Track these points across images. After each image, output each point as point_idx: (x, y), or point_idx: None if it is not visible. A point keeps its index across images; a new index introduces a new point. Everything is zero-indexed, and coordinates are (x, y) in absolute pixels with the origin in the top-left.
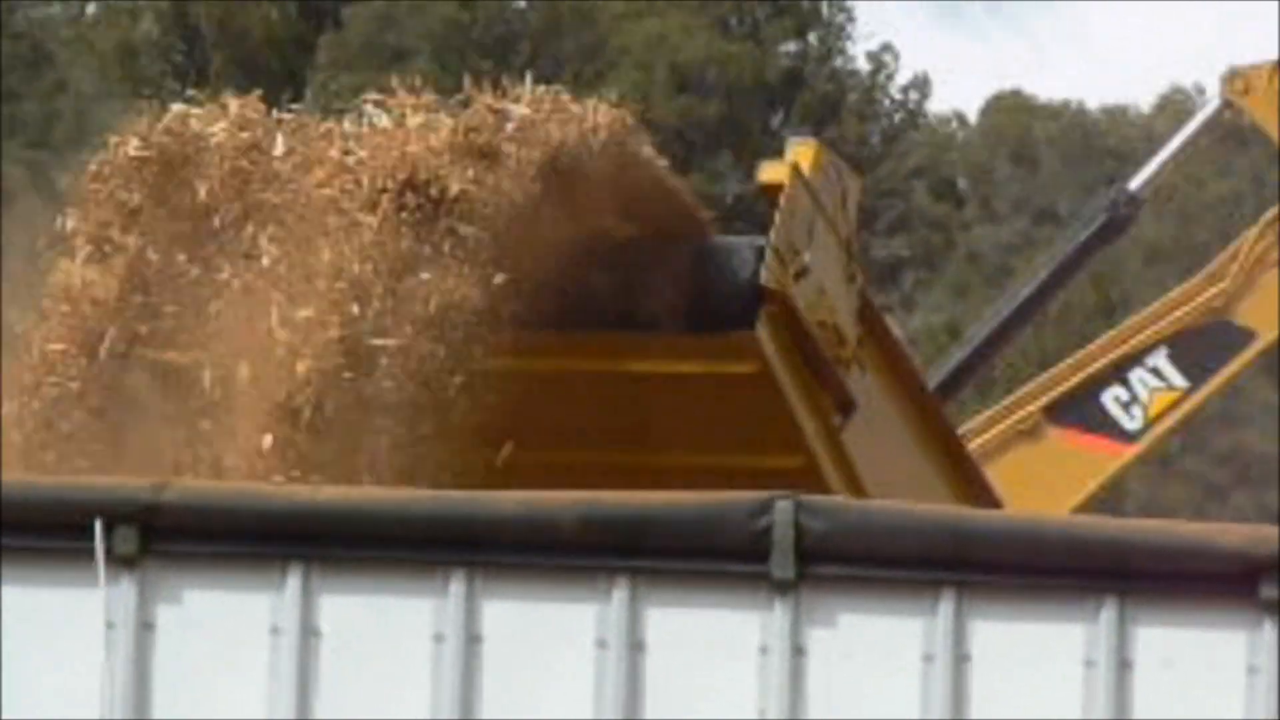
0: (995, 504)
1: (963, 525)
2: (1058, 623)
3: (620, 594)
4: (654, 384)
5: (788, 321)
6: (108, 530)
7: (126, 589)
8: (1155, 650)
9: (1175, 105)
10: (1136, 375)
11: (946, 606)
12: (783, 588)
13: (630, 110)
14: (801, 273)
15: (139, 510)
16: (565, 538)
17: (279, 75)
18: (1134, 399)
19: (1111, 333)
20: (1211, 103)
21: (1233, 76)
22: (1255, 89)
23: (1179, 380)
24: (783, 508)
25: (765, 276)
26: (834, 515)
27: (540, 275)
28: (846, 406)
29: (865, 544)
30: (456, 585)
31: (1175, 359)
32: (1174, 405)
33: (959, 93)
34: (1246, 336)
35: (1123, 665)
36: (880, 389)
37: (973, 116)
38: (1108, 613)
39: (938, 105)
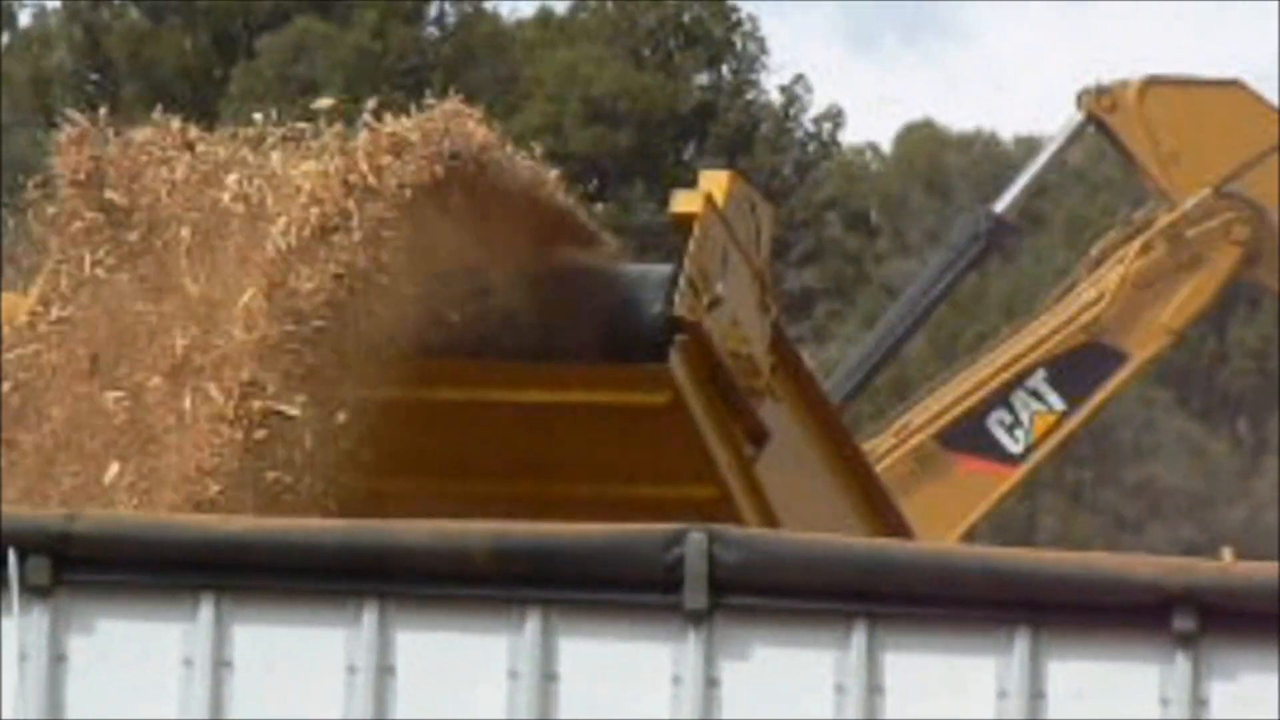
0: (908, 535)
1: (875, 556)
2: (971, 654)
3: (532, 625)
4: (566, 414)
5: (700, 352)
6: (20, 560)
7: (39, 619)
8: (1068, 682)
9: (1086, 135)
10: (1018, 398)
11: (859, 638)
12: (695, 618)
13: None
14: (715, 303)
15: (51, 540)
16: (477, 568)
17: (191, 106)
18: (1017, 422)
19: (992, 354)
20: (1074, 119)
21: (1098, 93)
22: (1123, 106)
23: (1057, 402)
24: (695, 539)
25: (678, 306)
26: (747, 546)
27: (449, 304)
28: (759, 437)
29: (778, 575)
30: (369, 616)
31: (1053, 381)
32: (1054, 427)
33: (872, 124)
34: (1120, 358)
35: (1036, 697)
36: (793, 420)
37: (886, 147)
38: (1021, 644)
39: (851, 136)
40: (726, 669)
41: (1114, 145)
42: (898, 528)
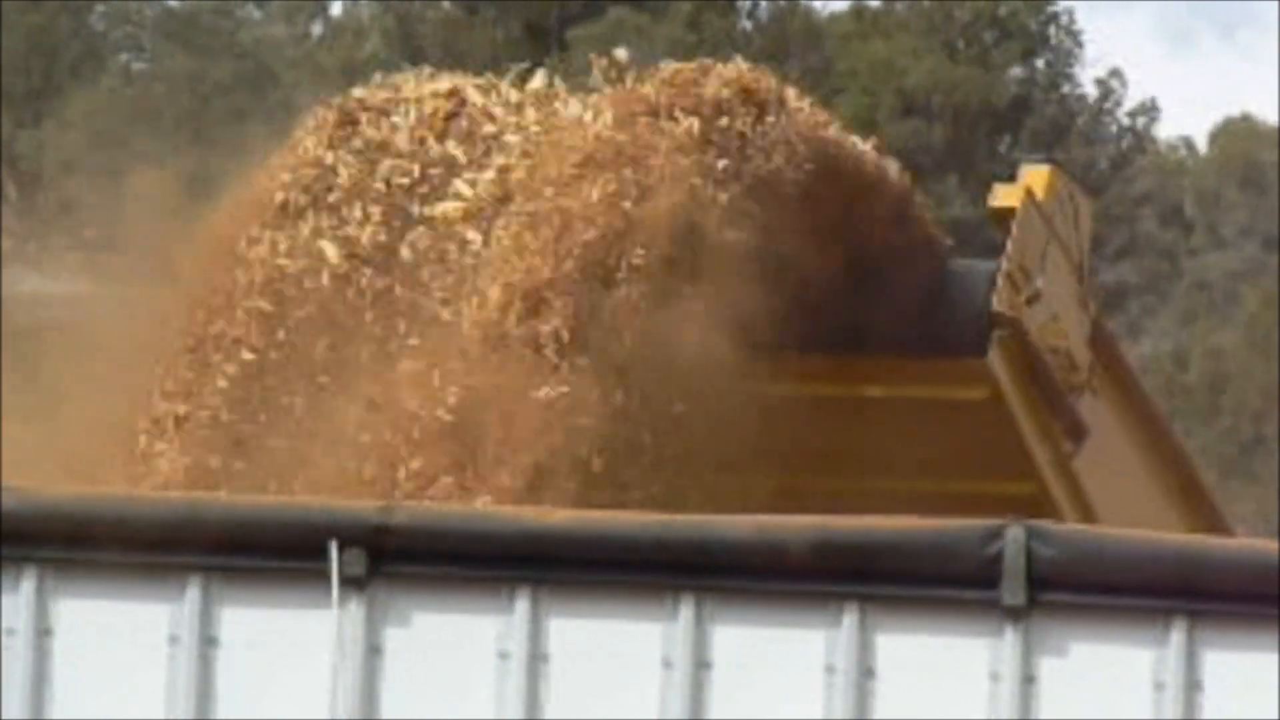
0: (1227, 532)
1: (1195, 553)
2: None
3: (850, 619)
4: (885, 408)
5: (1020, 347)
6: (338, 552)
7: (355, 611)
8: None
9: None
10: None
11: (1178, 635)
12: (1014, 614)
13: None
14: (1034, 298)
15: (368, 532)
16: (796, 563)
17: None
18: None
19: None
20: None
21: None
22: None
23: None
24: (1014, 534)
25: (998, 301)
26: (1066, 542)
27: (778, 297)
28: (1078, 433)
29: (1097, 571)
30: (686, 610)
31: None
32: None
33: (1187, 118)
34: None
35: None
36: (1112, 415)
37: (1201, 142)
38: None
39: (1166, 131)
40: (1044, 666)
41: None
42: (1216, 523)
